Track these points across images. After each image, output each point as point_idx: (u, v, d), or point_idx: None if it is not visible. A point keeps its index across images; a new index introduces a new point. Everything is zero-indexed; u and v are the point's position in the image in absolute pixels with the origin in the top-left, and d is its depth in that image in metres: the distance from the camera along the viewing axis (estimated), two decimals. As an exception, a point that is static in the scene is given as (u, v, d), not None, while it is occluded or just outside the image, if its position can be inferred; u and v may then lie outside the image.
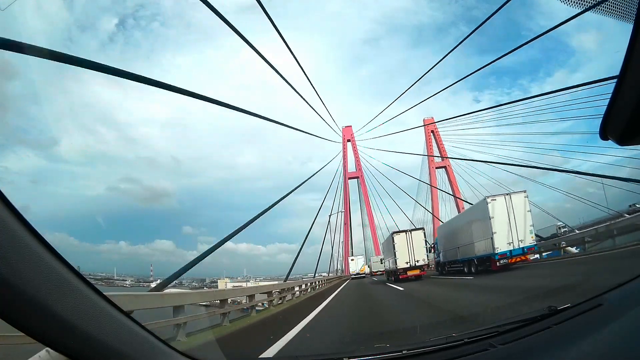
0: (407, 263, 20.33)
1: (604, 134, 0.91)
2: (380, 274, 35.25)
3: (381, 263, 33.48)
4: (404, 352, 1.66)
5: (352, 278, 40.44)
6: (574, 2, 1.42)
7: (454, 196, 47.87)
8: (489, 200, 15.15)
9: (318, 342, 5.16)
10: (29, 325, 0.80)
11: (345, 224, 55.61)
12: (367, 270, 47.49)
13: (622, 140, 0.89)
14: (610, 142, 0.96)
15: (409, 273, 20.09)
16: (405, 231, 21.94)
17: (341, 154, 55.27)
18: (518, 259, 14.57)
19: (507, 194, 15.27)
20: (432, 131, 51.02)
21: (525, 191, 15.40)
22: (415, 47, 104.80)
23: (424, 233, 22.00)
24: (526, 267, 14.59)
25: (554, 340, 1.43)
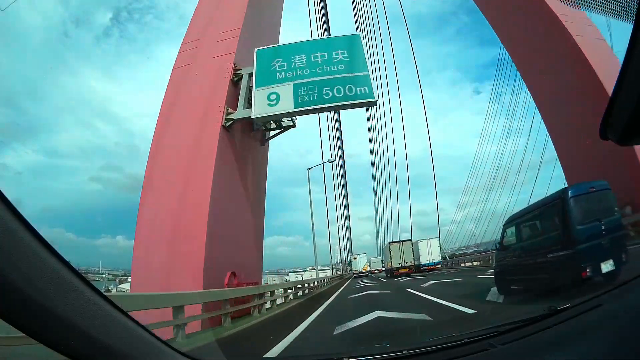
0: (399, 264, 31.14)
1: (604, 133, 0.91)
2: (379, 272, 46.77)
3: (381, 263, 43.21)
4: (404, 352, 1.66)
5: (355, 276, 45.87)
6: (574, 2, 1.42)
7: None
8: (418, 241, 32.34)
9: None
10: (30, 325, 0.80)
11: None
12: (369, 268, 52.29)
13: (622, 140, 0.89)
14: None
15: (400, 271, 30.24)
16: (398, 241, 33.65)
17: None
18: (432, 268, 30.26)
19: (427, 239, 32.45)
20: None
21: (438, 237, 34.17)
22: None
23: (412, 243, 32.64)
24: (433, 270, 28.90)
25: (554, 340, 1.43)
